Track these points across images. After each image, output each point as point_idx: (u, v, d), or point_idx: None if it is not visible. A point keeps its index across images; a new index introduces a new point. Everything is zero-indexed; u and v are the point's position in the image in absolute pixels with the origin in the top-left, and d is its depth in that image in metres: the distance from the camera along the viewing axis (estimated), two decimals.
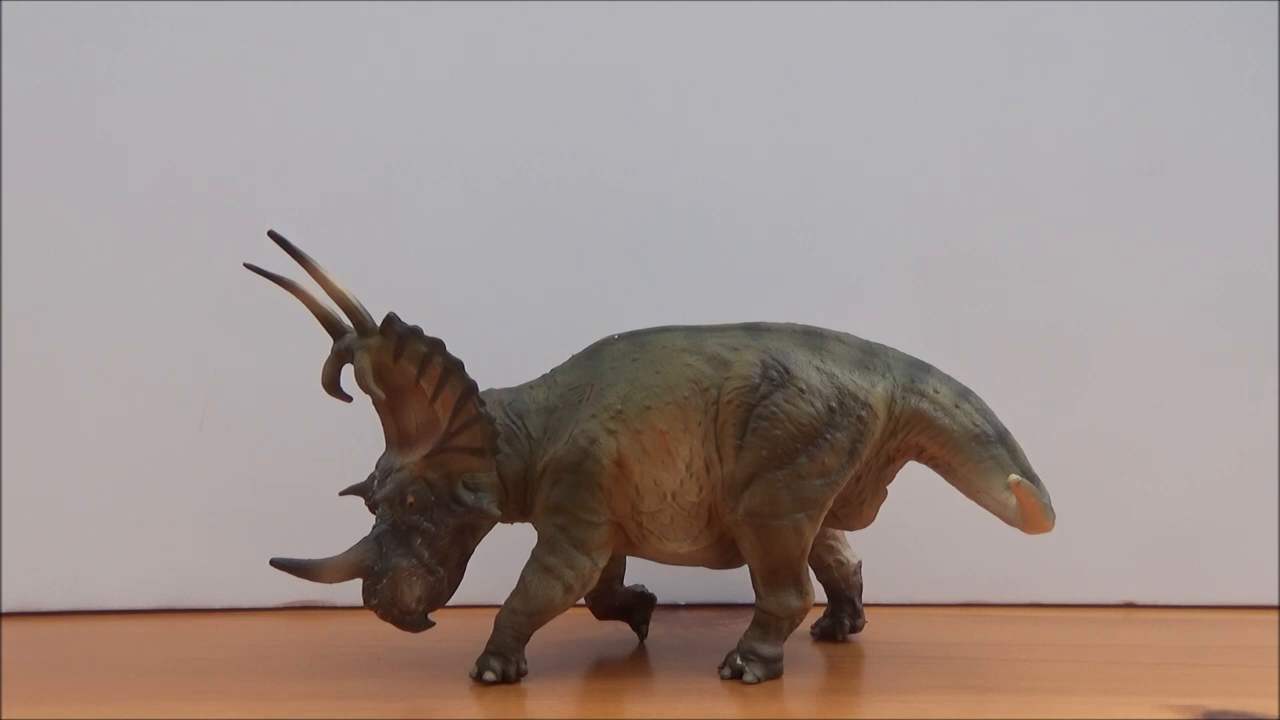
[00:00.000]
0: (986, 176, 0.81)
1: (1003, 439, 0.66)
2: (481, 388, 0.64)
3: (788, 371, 0.65)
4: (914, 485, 0.69)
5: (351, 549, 0.65)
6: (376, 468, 0.66)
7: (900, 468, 0.68)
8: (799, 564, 0.65)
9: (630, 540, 0.66)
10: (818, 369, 0.65)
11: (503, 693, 0.64)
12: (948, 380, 0.67)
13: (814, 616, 0.74)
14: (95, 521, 0.80)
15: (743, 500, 0.64)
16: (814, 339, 0.66)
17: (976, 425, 0.66)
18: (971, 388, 0.67)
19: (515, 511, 0.67)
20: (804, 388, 0.64)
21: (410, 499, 0.64)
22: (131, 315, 0.80)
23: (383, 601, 0.64)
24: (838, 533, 0.73)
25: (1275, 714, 0.60)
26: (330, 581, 0.65)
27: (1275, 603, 0.80)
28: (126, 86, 0.80)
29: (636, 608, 0.73)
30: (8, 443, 0.80)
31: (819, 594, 0.70)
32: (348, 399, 0.64)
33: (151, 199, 0.80)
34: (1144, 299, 0.81)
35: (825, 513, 0.65)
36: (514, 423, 0.66)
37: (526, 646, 0.66)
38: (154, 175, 0.80)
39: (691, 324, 0.67)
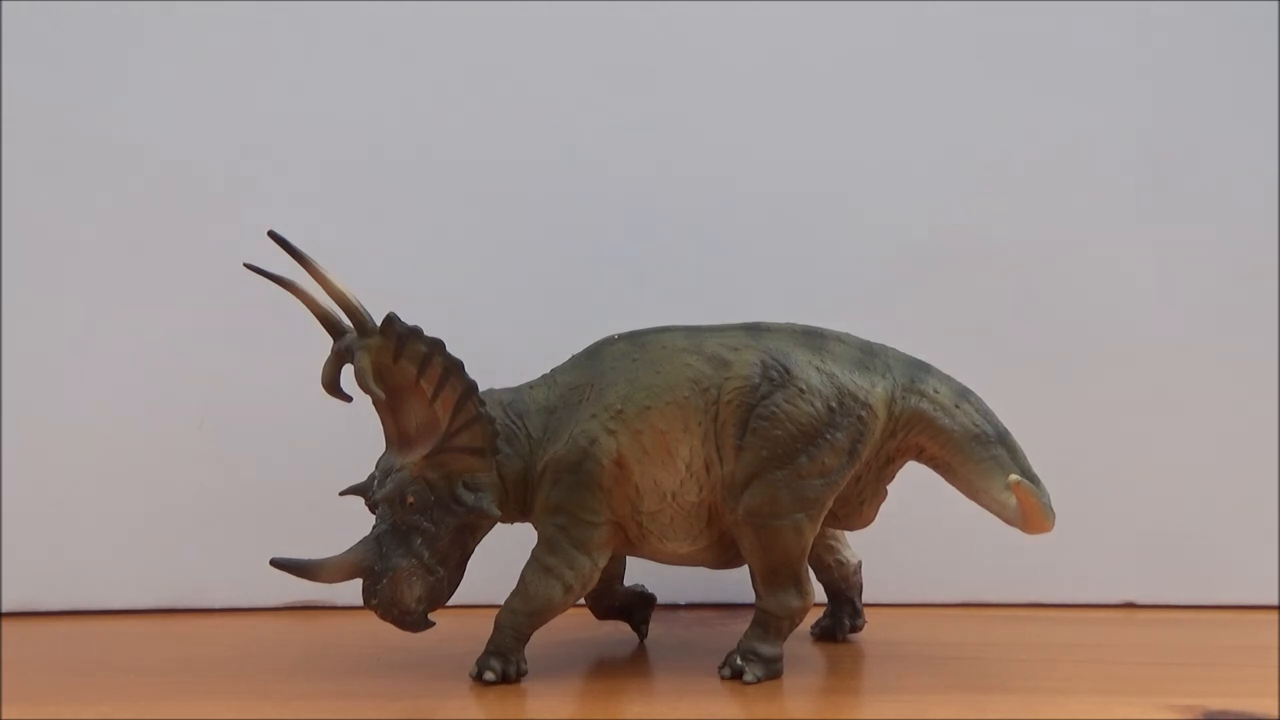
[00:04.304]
0: (987, 176, 0.81)
1: (1003, 439, 0.66)
2: (481, 388, 0.64)
3: (788, 371, 0.65)
4: (914, 485, 0.69)
5: (351, 549, 0.65)
6: (376, 468, 0.66)
7: (900, 468, 0.68)
8: (799, 564, 0.65)
9: (630, 540, 0.66)
10: (818, 369, 0.65)
11: (503, 693, 0.64)
12: (948, 380, 0.67)
13: (814, 616, 0.74)
14: (95, 521, 0.80)
15: (743, 500, 0.64)
16: (814, 339, 0.66)
17: (976, 425, 0.66)
18: (971, 388, 0.67)
19: (515, 511, 0.67)
20: (804, 388, 0.64)
21: (410, 499, 0.64)
22: (131, 315, 0.80)
23: (383, 601, 0.64)
24: (838, 533, 0.73)
25: (1275, 714, 0.60)
26: (330, 581, 0.65)
27: (1275, 603, 0.80)
28: (127, 86, 0.80)
29: (636, 608, 0.73)
30: (8, 443, 0.80)
31: (819, 594, 0.70)
32: (348, 399, 0.64)
33: (151, 199, 0.80)
34: (1144, 299, 0.81)
35: (825, 513, 0.65)
36: (514, 423, 0.66)
37: (526, 646, 0.66)
38: (154, 175, 0.80)
39: (691, 324, 0.67)
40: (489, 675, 0.65)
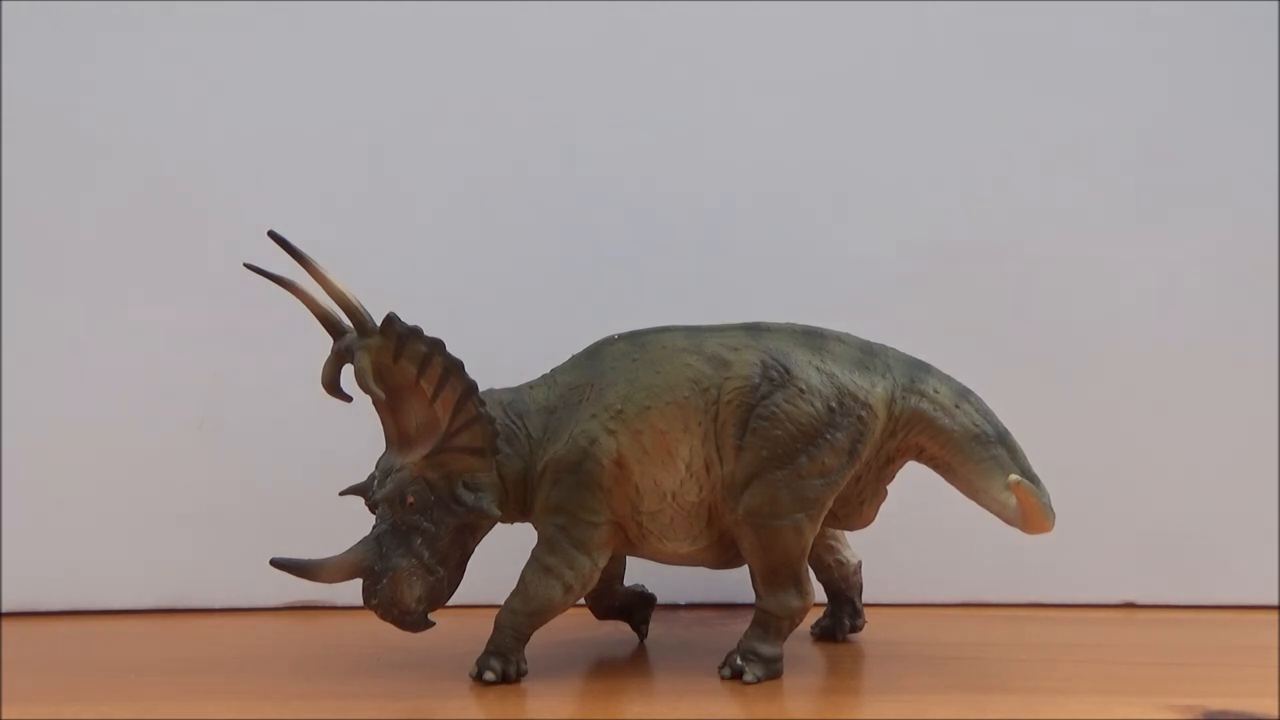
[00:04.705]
0: (987, 177, 0.81)
1: (1003, 439, 0.66)
2: (481, 388, 0.64)
3: (788, 371, 0.65)
4: (914, 485, 0.69)
5: (351, 549, 0.65)
6: (376, 468, 0.66)
7: (900, 468, 0.68)
8: (799, 564, 0.65)
9: (630, 540, 0.66)
10: (818, 369, 0.65)
11: (503, 693, 0.64)
12: (948, 380, 0.67)
13: (814, 616, 0.74)
14: (95, 521, 0.80)
15: (743, 500, 0.64)
16: (814, 339, 0.66)
17: (976, 425, 0.66)
18: (971, 388, 0.67)
19: (515, 511, 0.67)
20: (804, 388, 0.64)
21: (410, 499, 0.64)
22: (131, 315, 0.80)
23: (383, 601, 0.64)
24: (838, 533, 0.73)
25: (1275, 714, 0.60)
26: (330, 581, 0.65)
27: (1275, 603, 0.80)
28: (127, 86, 0.80)
29: (636, 608, 0.73)
30: (8, 443, 0.80)
31: (819, 594, 0.70)
32: (348, 399, 0.64)
33: (151, 199, 0.80)
34: (1145, 299, 0.81)
35: (825, 513, 0.65)
36: (514, 423, 0.66)
37: (526, 646, 0.66)
38: (154, 175, 0.80)
39: (691, 324, 0.67)
40: (489, 675, 0.65)
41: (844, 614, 0.73)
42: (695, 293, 0.80)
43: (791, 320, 0.67)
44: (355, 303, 0.63)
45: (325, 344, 0.64)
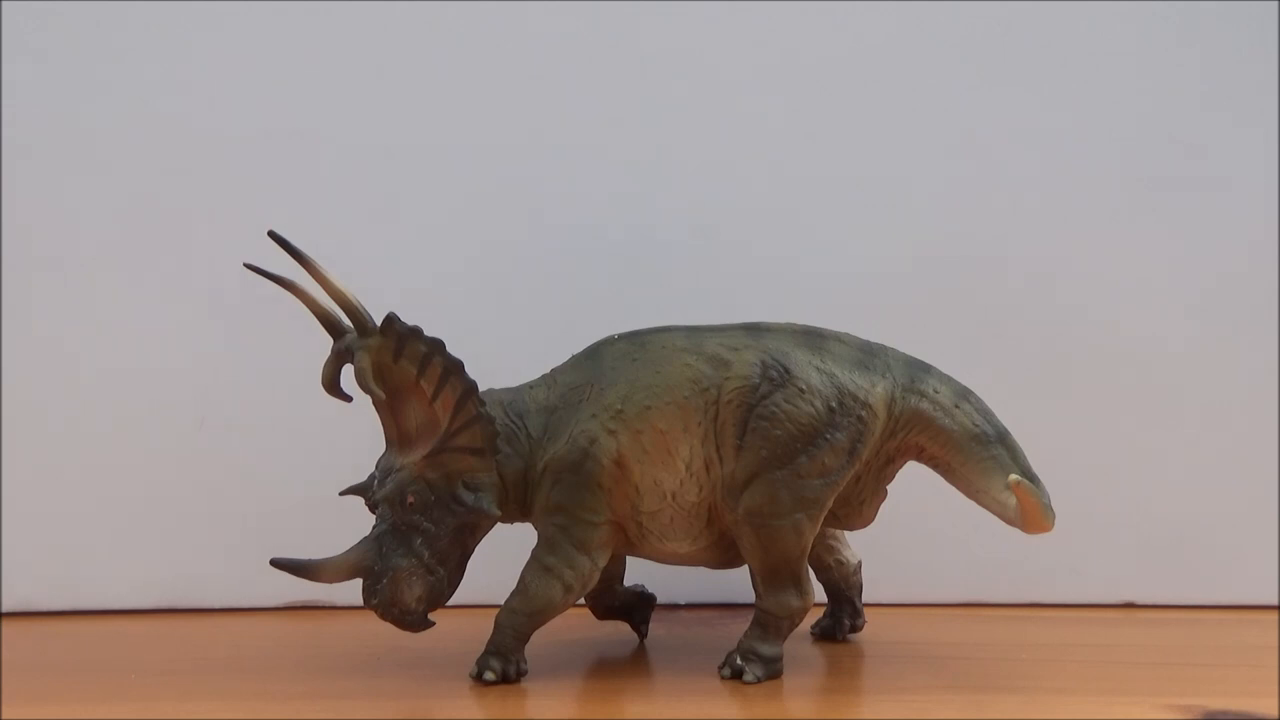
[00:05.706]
0: (986, 178, 0.81)
1: (1003, 439, 0.66)
2: (481, 388, 0.64)
3: (788, 371, 0.65)
4: (914, 485, 0.69)
5: (351, 549, 0.65)
6: (376, 468, 0.66)
7: (900, 468, 0.68)
8: (799, 564, 0.65)
9: (630, 540, 0.66)
10: (818, 369, 0.65)
11: (503, 693, 0.64)
12: (948, 380, 0.67)
13: (814, 616, 0.74)
14: (95, 521, 0.80)
15: (743, 500, 0.64)
16: (814, 339, 0.66)
17: (976, 425, 0.66)
18: (971, 388, 0.67)
19: (515, 511, 0.67)
20: (804, 388, 0.64)
21: (410, 499, 0.64)
22: (131, 315, 0.80)
23: (383, 601, 0.64)
24: (838, 533, 0.73)
25: (1275, 714, 0.60)
26: (330, 581, 0.65)
27: (1275, 603, 0.80)
28: (126, 85, 0.80)
29: (636, 608, 0.73)
30: (8, 443, 0.80)
31: (819, 594, 0.70)
32: (348, 399, 0.64)
33: (151, 198, 0.80)
34: (1144, 299, 0.81)
35: (825, 513, 0.65)
36: (514, 423, 0.66)
37: (526, 646, 0.66)
38: (154, 175, 0.80)
39: (691, 324, 0.67)
40: (489, 675, 0.65)
41: (844, 614, 0.73)
42: (695, 293, 0.80)
43: (791, 320, 0.67)
44: (355, 303, 0.63)
45: (325, 344, 0.64)
